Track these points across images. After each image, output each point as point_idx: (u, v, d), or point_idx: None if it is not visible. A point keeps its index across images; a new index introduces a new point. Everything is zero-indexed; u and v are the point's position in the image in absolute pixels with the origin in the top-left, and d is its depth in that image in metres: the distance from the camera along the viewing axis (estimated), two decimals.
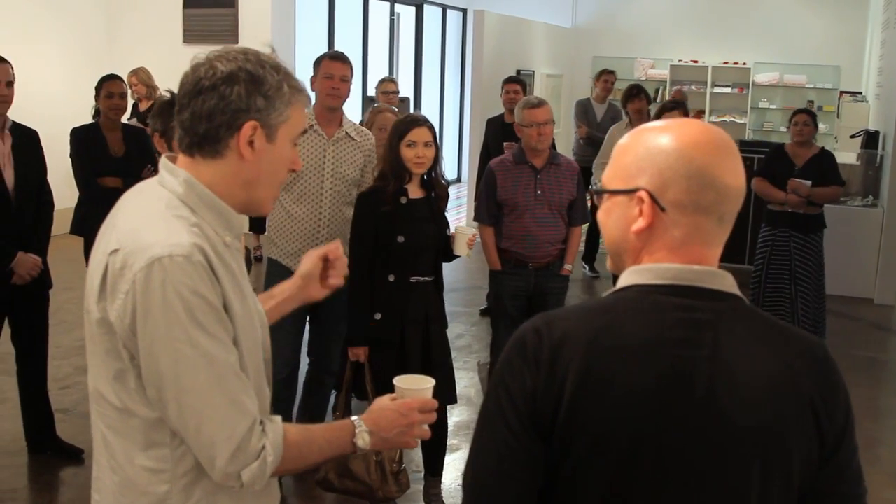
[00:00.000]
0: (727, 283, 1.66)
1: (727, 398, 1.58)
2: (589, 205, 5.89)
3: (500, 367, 1.69)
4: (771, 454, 1.59)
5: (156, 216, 1.93)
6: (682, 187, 1.62)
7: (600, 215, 1.76)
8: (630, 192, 1.67)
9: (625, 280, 1.69)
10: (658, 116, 6.87)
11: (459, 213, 14.45)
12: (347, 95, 5.02)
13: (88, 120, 6.89)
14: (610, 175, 1.73)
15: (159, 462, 1.97)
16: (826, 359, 1.67)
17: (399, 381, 2.31)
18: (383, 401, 2.22)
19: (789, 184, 7.53)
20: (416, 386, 2.29)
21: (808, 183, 7.52)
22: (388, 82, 8.80)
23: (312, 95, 5.03)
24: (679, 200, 1.62)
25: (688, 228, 1.64)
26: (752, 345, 1.62)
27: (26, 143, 5.12)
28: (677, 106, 6.92)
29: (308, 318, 5.22)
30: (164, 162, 2.05)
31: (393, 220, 4.49)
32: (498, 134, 8.41)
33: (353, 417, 2.15)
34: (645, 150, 1.67)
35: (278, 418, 2.01)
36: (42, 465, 5.35)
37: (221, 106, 1.94)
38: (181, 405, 1.88)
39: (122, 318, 1.88)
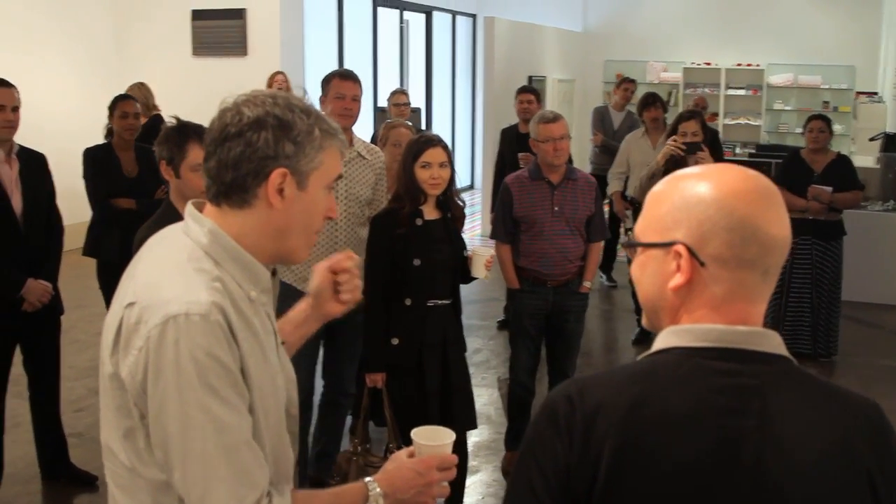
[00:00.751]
0: (774, 343, 1.54)
1: (777, 471, 1.47)
2: (607, 211, 5.81)
3: (530, 438, 1.58)
4: None
5: (175, 269, 1.85)
6: (724, 240, 1.51)
7: (634, 270, 1.65)
8: (666, 245, 1.56)
9: (662, 341, 1.58)
10: (675, 126, 6.74)
11: (473, 222, 14.36)
12: (358, 114, 4.93)
13: (97, 132, 6.81)
14: (643, 226, 1.61)
15: None
16: (882, 424, 1.56)
17: (417, 434, 2.17)
18: (400, 458, 2.11)
19: (810, 191, 7.44)
20: (435, 440, 2.16)
21: (830, 189, 7.44)
22: (400, 94, 8.70)
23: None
24: (720, 255, 1.51)
25: (730, 285, 1.53)
26: (804, 412, 1.51)
27: (34, 167, 5.03)
28: (694, 115, 6.79)
29: (322, 341, 5.13)
30: (189, 209, 1.96)
31: (408, 243, 4.39)
32: (513, 145, 8.30)
33: (368, 479, 2.04)
34: (681, 199, 1.55)
35: (288, 490, 1.91)
36: (56, 493, 5.27)
37: (248, 153, 1.85)
38: (186, 471, 1.79)
39: (133, 375, 1.79)
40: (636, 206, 7.68)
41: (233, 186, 1.88)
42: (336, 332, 5.06)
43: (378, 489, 2.01)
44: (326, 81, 4.93)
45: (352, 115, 4.86)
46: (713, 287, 1.53)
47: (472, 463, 5.45)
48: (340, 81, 4.87)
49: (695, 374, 1.51)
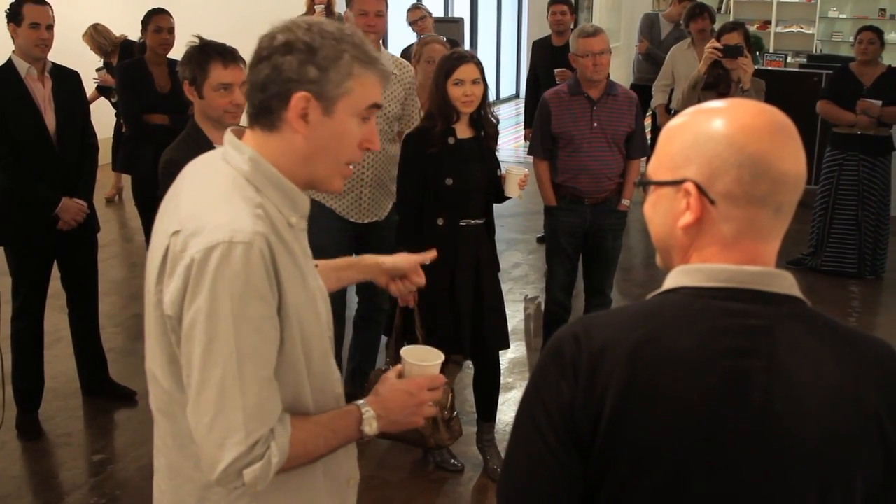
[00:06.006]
0: (786, 284, 1.50)
1: (785, 412, 1.44)
2: (649, 137, 5.70)
3: (535, 376, 1.56)
4: (832, 473, 1.46)
5: (220, 197, 1.87)
6: (733, 177, 1.46)
7: (646, 208, 1.62)
8: (676, 183, 1.51)
9: (672, 281, 1.54)
10: (717, 38, 6.54)
11: (518, 132, 14.23)
12: (384, 29, 4.83)
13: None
14: (655, 165, 1.58)
15: None
16: (894, 367, 1.51)
17: (407, 354, 2.18)
18: (390, 379, 2.12)
19: (859, 104, 7.26)
20: (424, 360, 2.17)
21: (879, 103, 7.25)
22: (414, 10, 8.38)
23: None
24: (730, 192, 1.47)
25: (740, 222, 1.48)
26: (813, 354, 1.47)
27: (67, 85, 5.01)
28: (737, 27, 6.58)
29: (354, 256, 5.12)
30: (229, 137, 1.98)
31: (441, 162, 4.34)
32: (546, 59, 8.11)
33: (360, 401, 2.05)
34: (692, 137, 1.51)
35: (287, 417, 1.92)
36: (96, 408, 5.36)
37: (274, 76, 1.87)
38: (201, 396, 1.82)
39: (174, 302, 1.82)
40: None
41: (261, 108, 1.91)
42: (369, 248, 5.04)
43: (371, 411, 2.03)
44: None
45: (376, 32, 4.77)
46: (723, 225, 1.49)
47: (506, 380, 5.46)
48: None
49: (703, 315, 1.48)
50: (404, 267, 2.54)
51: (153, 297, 1.88)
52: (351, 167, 2.00)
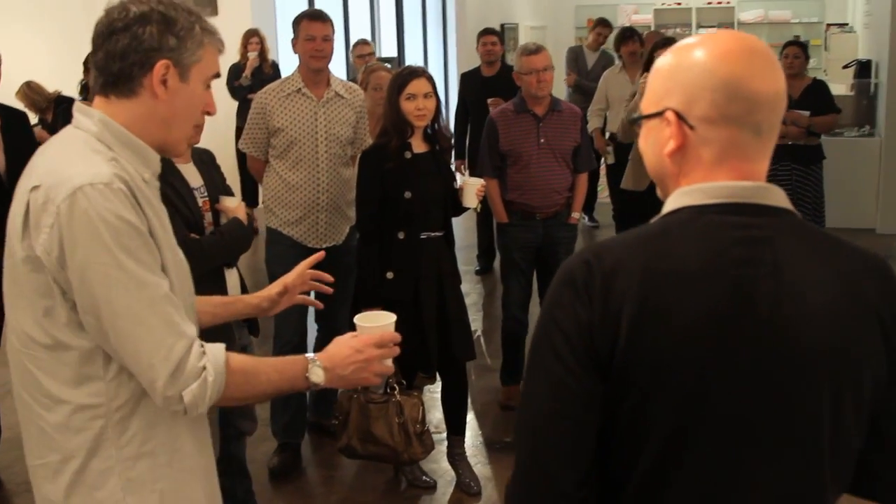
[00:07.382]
0: (779, 197, 1.58)
1: (793, 316, 1.50)
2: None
3: (548, 306, 1.59)
4: (842, 372, 1.52)
5: (74, 153, 1.96)
6: (708, 101, 1.54)
7: (640, 143, 1.70)
8: (659, 114, 1.60)
9: (673, 202, 1.61)
10: (650, 55, 6.66)
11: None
12: (332, 55, 4.89)
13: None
14: (646, 102, 1.66)
15: (93, 397, 1.98)
16: (889, 273, 1.60)
17: (359, 319, 2.27)
18: (342, 338, 2.21)
19: (787, 115, 7.42)
20: (374, 322, 2.25)
21: (807, 113, 7.47)
22: (363, 45, 8.48)
23: (296, 58, 4.91)
24: (707, 115, 1.54)
25: (721, 144, 1.55)
26: (813, 260, 1.55)
27: (15, 124, 5.00)
28: (668, 42, 6.75)
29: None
30: (77, 105, 2.07)
31: (399, 177, 4.38)
32: (476, 89, 8.19)
33: (309, 354, 2.14)
34: (672, 69, 1.60)
35: (221, 345, 2.01)
36: None
37: (134, 45, 1.98)
38: (117, 330, 1.90)
39: (49, 252, 1.88)
40: (617, 143, 7.64)
41: (120, 76, 2.00)
42: (327, 273, 5.02)
43: (318, 361, 2.11)
44: (296, 23, 4.88)
45: (324, 56, 4.81)
46: (703, 149, 1.56)
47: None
48: (310, 22, 4.82)
49: (708, 229, 1.54)
50: (295, 278, 2.68)
51: (20, 255, 1.93)
52: (196, 130, 2.19)
